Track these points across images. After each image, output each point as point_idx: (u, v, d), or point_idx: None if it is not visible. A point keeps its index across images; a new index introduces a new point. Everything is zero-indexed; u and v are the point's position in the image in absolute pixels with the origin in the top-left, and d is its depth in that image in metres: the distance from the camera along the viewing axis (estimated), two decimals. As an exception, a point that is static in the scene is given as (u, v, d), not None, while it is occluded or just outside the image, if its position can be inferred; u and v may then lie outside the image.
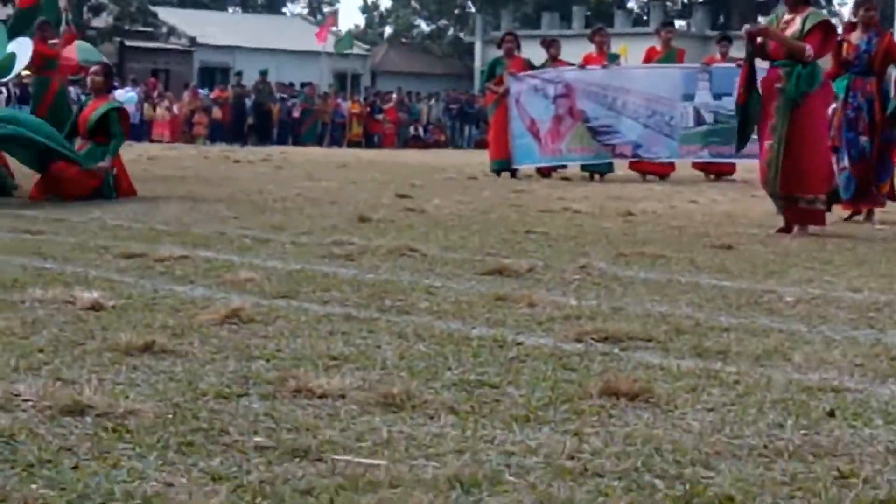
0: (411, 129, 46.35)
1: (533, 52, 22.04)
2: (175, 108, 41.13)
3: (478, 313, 6.22)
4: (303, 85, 45.72)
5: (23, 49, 14.51)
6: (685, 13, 64.61)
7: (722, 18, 61.50)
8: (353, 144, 42.32)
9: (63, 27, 17.19)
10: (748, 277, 7.91)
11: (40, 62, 16.67)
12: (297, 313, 6.05)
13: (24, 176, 14.28)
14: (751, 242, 10.30)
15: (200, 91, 44.10)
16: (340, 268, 7.92)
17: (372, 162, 25.37)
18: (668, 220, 12.53)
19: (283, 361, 4.93)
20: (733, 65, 18.60)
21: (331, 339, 5.44)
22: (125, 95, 36.66)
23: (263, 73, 42.19)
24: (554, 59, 20.36)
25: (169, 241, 9.25)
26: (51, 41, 16.72)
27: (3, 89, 31.77)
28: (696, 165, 20.35)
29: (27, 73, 17.77)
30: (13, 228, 9.80)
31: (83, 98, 14.23)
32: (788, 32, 10.89)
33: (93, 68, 14.58)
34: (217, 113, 41.36)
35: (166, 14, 58.44)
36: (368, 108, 45.25)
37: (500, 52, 21.28)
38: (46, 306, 6.07)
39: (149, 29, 55.95)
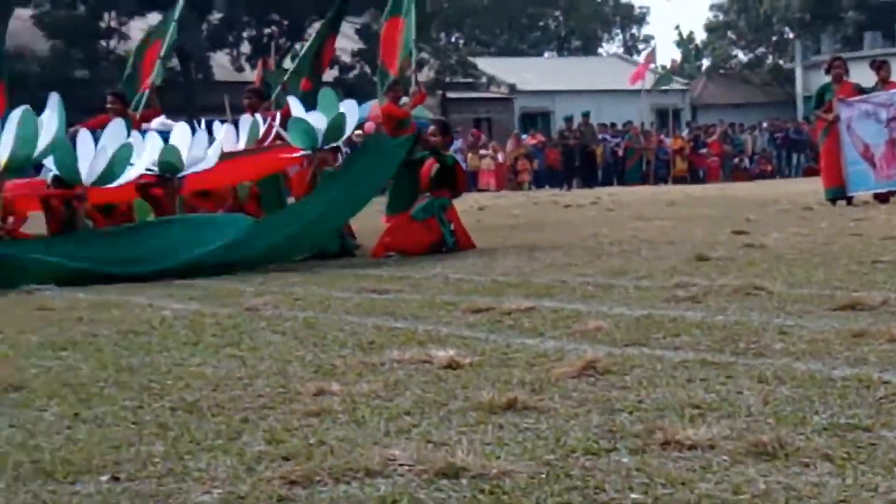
0: (736, 160, 45.73)
1: (859, 74, 21.47)
2: (499, 157, 41.66)
3: (836, 352, 6.05)
4: (624, 124, 45.72)
5: (351, 111, 14.95)
6: None
7: None
8: (679, 180, 42.03)
9: (413, 88, 17.71)
10: None
11: (391, 123, 17.20)
12: (652, 361, 6.00)
13: (365, 237, 14.69)
14: None
15: (523, 137, 44.55)
16: (687, 311, 7.83)
17: (701, 197, 25.12)
18: None
19: (647, 413, 4.89)
20: None
21: (689, 386, 5.37)
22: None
23: (586, 115, 42.36)
24: (885, 82, 19.77)
25: (512, 292, 9.33)
26: (401, 101, 17.27)
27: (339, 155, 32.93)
28: None
29: (359, 132, 18.33)
30: (361, 289, 10.05)
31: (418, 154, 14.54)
32: None
33: (430, 127, 14.93)
34: (541, 157, 41.74)
35: (485, 64, 59.36)
36: (691, 143, 44.89)
37: (825, 78, 20.80)
38: (405, 366, 6.19)
39: (469, 80, 56.92)
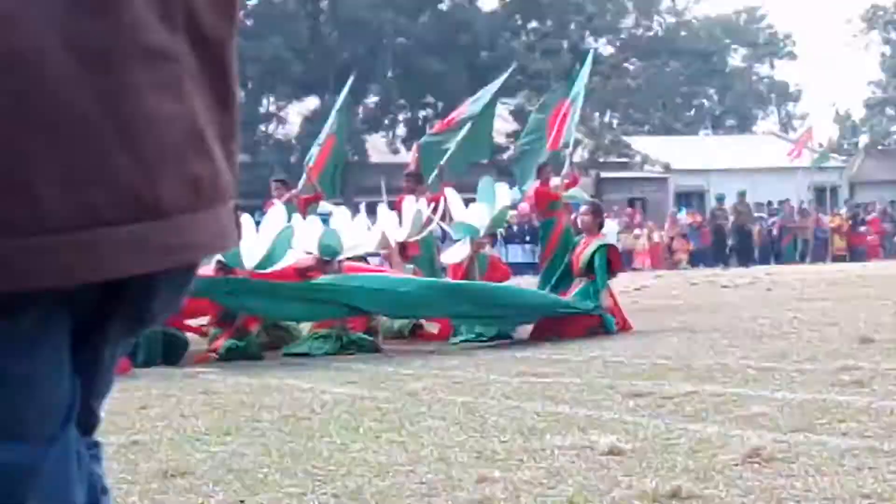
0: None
1: None
2: (655, 236, 41.47)
3: None
4: (780, 202, 45.24)
5: (503, 195, 15.10)
6: None
7: None
8: (837, 259, 41.40)
9: (566, 170, 17.79)
10: None
11: (543, 204, 17.30)
12: (818, 448, 5.89)
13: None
14: None
15: (678, 216, 44.29)
16: (853, 395, 7.69)
17: (862, 277, 24.69)
18: None
19: (814, 503, 4.80)
20: None
21: (858, 475, 5.26)
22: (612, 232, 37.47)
23: (742, 195, 42.01)
24: None
25: (673, 376, 9.25)
26: (553, 183, 17.37)
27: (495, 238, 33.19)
28: None
29: (513, 213, 18.45)
30: (519, 372, 10.04)
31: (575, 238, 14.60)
32: None
33: (582, 208, 14.95)
34: (697, 237, 41.47)
35: (640, 143, 59.25)
36: (850, 221, 44.22)
37: None
38: (566, 452, 6.16)
39: (624, 159, 56.85)
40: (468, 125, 19.07)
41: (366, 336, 13.34)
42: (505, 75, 21.24)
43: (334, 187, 18.51)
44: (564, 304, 13.62)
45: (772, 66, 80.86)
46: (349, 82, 19.87)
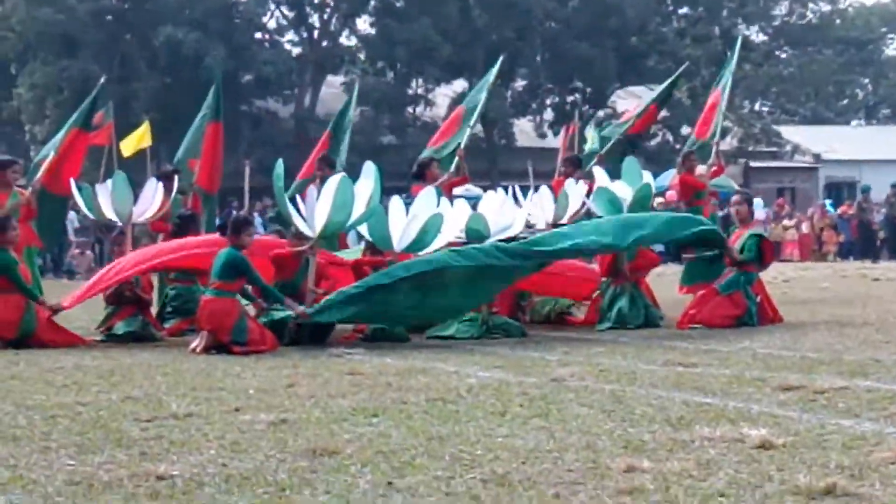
0: None
1: None
2: (804, 227, 40.82)
3: None
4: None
5: (649, 180, 15.03)
6: None
7: None
8: None
9: (712, 159, 17.60)
10: None
11: (689, 193, 17.16)
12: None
13: (668, 307, 14.58)
14: None
15: (829, 208, 43.50)
16: None
17: None
18: None
19: (976, 506, 4.68)
20: None
21: None
22: (757, 205, 36.94)
23: (894, 186, 41.15)
24: None
25: (824, 370, 9.09)
26: (698, 171, 17.21)
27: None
28: None
29: (660, 200, 18.29)
30: (667, 361, 9.94)
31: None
32: None
33: (734, 198, 14.73)
34: (847, 228, 40.71)
35: (790, 132, 58.35)
36: None
37: None
38: (716, 445, 6.09)
39: (773, 149, 56.05)
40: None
41: (512, 321, 13.32)
42: (679, 72, 21.26)
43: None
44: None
45: (928, 55, 79.19)
46: (498, 63, 19.73)
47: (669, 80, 20.82)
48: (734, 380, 8.62)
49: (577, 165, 17.10)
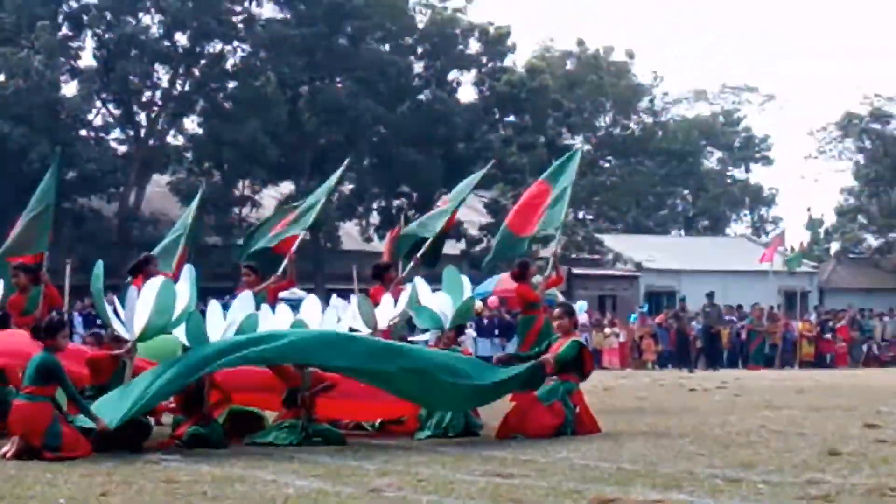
0: (865, 346, 45.03)
1: None
2: (622, 335, 41.43)
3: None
4: (751, 306, 45.29)
5: (468, 287, 15.13)
6: None
7: None
8: (805, 364, 41.44)
9: (549, 270, 17.71)
10: None
11: (522, 304, 17.25)
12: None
13: (488, 416, 14.62)
14: None
15: (634, 317, 44.18)
16: (820, 511, 7.64)
17: (830, 386, 24.69)
18: None
19: None
20: None
21: None
22: (577, 305, 37.46)
23: (710, 296, 42.09)
24: None
25: (640, 482, 9.19)
26: (534, 280, 17.33)
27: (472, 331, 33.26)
28: None
29: (480, 305, 18.39)
30: (486, 472, 9.95)
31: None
32: None
33: (556, 311, 14.86)
34: (666, 337, 41.45)
35: (612, 241, 59.44)
36: (819, 327, 44.32)
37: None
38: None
39: (596, 256, 56.98)
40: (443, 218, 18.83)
41: (332, 428, 13.23)
42: (482, 171, 21.18)
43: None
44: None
45: (747, 170, 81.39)
46: (342, 168, 19.79)
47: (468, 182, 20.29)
48: (551, 491, 8.66)
49: (388, 270, 17.18)
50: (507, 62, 54.02)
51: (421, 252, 18.24)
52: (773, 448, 11.73)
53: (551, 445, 12.26)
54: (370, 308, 14.91)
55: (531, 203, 18.34)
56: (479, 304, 29.12)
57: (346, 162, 20.22)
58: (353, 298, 15.41)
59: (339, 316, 14.23)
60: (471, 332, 32.80)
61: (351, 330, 14.35)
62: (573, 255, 55.59)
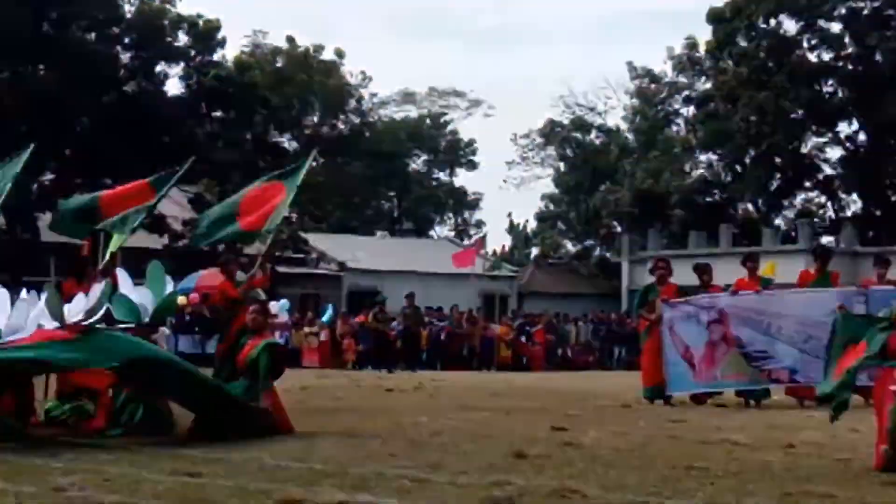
0: (560, 350, 46.24)
1: (684, 271, 22.05)
2: (323, 335, 41.52)
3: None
4: (451, 308, 45.99)
5: (170, 283, 14.96)
6: (833, 229, 64.22)
7: (871, 234, 60.98)
8: (503, 367, 42.23)
9: (256, 269, 17.45)
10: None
11: (225, 301, 16.99)
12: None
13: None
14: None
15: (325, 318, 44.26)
16: (502, 512, 7.80)
17: (524, 388, 25.24)
18: (832, 451, 12.22)
19: None
20: (891, 287, 18.42)
21: None
22: (279, 304, 37.43)
23: (409, 297, 42.56)
24: (707, 286, 20.29)
25: (328, 483, 9.22)
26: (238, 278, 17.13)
27: (166, 328, 32.66)
28: (854, 389, 19.71)
29: (183, 300, 18.13)
30: (174, 470, 9.84)
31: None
32: None
33: (252, 307, 14.80)
34: (367, 337, 41.69)
35: (316, 240, 59.55)
36: (517, 331, 45.28)
37: (650, 275, 21.32)
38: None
39: (300, 255, 56.99)
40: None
41: (10, 421, 12.81)
42: (182, 170, 20.73)
43: None
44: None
45: (452, 174, 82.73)
46: (28, 152, 19.11)
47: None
48: (237, 491, 8.62)
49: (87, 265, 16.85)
50: (217, 57, 53.55)
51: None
52: (461, 450, 11.93)
53: (244, 444, 12.19)
54: (58, 301, 14.53)
55: (263, 200, 18.19)
56: (182, 299, 28.77)
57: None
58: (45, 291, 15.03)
59: (29, 310, 13.83)
60: (164, 329, 32.26)
61: (40, 326, 13.97)
62: (277, 254, 55.46)
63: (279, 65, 64.24)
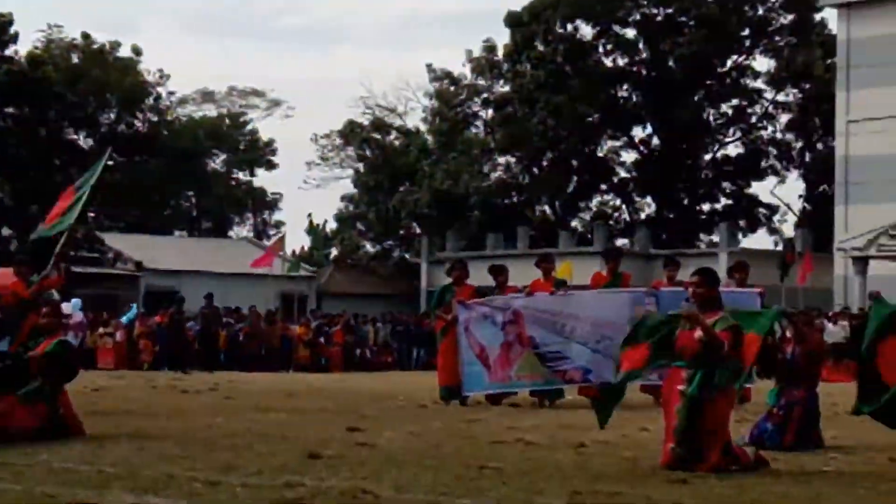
0: (358, 351, 46.25)
1: (482, 272, 22.30)
2: (119, 335, 40.85)
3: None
4: (249, 308, 45.68)
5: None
6: (628, 232, 65.60)
7: (664, 236, 62.41)
8: (301, 367, 42.08)
9: (51, 268, 17.13)
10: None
11: (16, 301, 16.63)
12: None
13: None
14: (706, 476, 10.22)
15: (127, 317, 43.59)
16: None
17: (321, 389, 25.20)
18: (621, 450, 12.48)
19: None
20: (681, 288, 18.85)
21: None
22: (71, 303, 36.72)
23: (208, 297, 42.17)
24: (502, 287, 20.51)
25: (118, 486, 9.10)
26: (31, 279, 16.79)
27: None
28: (644, 388, 20.14)
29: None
30: (-42, 475, 9.61)
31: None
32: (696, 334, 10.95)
33: (43, 310, 14.52)
34: (164, 338, 41.13)
35: (112, 240, 58.65)
36: (315, 331, 45.16)
37: (446, 276, 21.49)
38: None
39: (95, 255, 56.03)
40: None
41: None
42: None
43: None
44: None
45: (251, 173, 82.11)
46: (108, 152, 18.86)
47: None
48: (24, 496, 8.45)
49: None
50: (9, 52, 52.36)
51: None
52: (255, 451, 11.88)
53: (31, 448, 11.94)
54: None
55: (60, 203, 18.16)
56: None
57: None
58: None
59: None
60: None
61: None
62: (72, 253, 54.46)
63: (75, 61, 63.10)
